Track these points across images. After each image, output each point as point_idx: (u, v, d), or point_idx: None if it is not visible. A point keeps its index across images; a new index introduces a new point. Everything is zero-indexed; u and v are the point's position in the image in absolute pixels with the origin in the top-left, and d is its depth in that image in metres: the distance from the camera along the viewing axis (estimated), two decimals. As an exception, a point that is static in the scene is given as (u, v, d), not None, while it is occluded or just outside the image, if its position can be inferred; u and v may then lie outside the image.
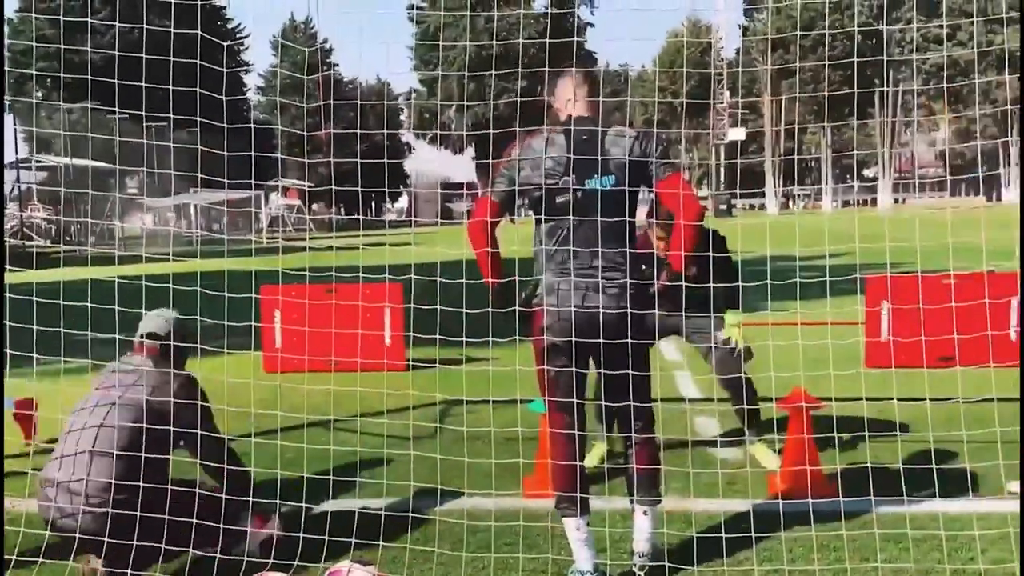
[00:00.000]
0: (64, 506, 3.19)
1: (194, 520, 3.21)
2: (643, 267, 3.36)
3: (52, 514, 3.22)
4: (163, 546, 3.14)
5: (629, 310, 3.18)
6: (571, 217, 3.18)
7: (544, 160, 3.19)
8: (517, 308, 3.31)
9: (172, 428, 3.34)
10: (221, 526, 3.29)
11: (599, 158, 3.18)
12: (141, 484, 3.18)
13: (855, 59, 39.09)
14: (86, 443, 3.27)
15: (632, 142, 3.20)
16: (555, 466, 3.28)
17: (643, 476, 3.31)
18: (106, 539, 3.11)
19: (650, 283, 3.27)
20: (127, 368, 3.52)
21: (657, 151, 3.20)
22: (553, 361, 3.24)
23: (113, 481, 3.18)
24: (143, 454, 3.23)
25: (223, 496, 3.40)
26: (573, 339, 3.19)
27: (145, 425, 3.29)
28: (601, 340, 3.16)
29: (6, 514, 3.85)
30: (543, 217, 3.24)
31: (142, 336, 3.59)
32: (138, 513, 3.13)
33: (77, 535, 3.18)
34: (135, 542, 3.10)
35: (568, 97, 3.34)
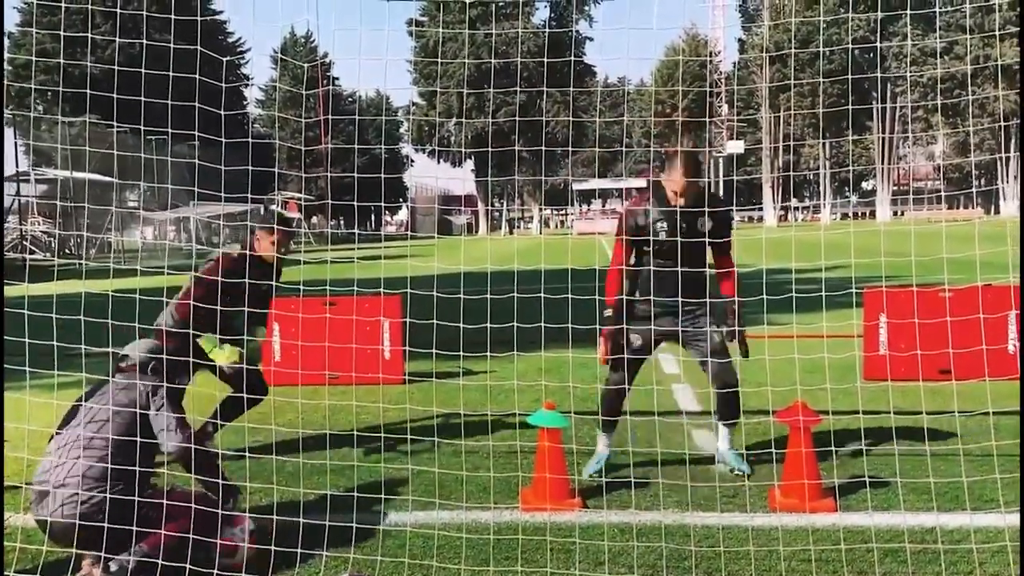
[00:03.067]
0: (44, 507, 3.25)
1: (192, 532, 3.23)
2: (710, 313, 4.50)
3: (38, 514, 3.26)
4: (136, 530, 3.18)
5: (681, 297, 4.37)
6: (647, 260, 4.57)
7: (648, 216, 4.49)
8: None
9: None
10: (217, 539, 3.29)
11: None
12: (117, 483, 3.20)
13: (850, 75, 39.25)
14: (67, 444, 3.35)
15: (709, 220, 4.40)
16: (604, 406, 4.63)
17: (720, 401, 4.52)
18: (76, 523, 3.17)
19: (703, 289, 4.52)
20: (117, 384, 3.57)
21: (725, 230, 4.50)
22: (626, 339, 4.47)
23: (109, 470, 3.24)
24: (134, 452, 3.27)
25: (204, 508, 3.42)
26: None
27: (139, 427, 3.35)
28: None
29: (5, 527, 3.84)
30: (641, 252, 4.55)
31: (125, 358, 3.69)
32: (129, 500, 3.18)
33: (48, 527, 3.22)
34: (119, 526, 3.15)
35: (674, 172, 4.41)
